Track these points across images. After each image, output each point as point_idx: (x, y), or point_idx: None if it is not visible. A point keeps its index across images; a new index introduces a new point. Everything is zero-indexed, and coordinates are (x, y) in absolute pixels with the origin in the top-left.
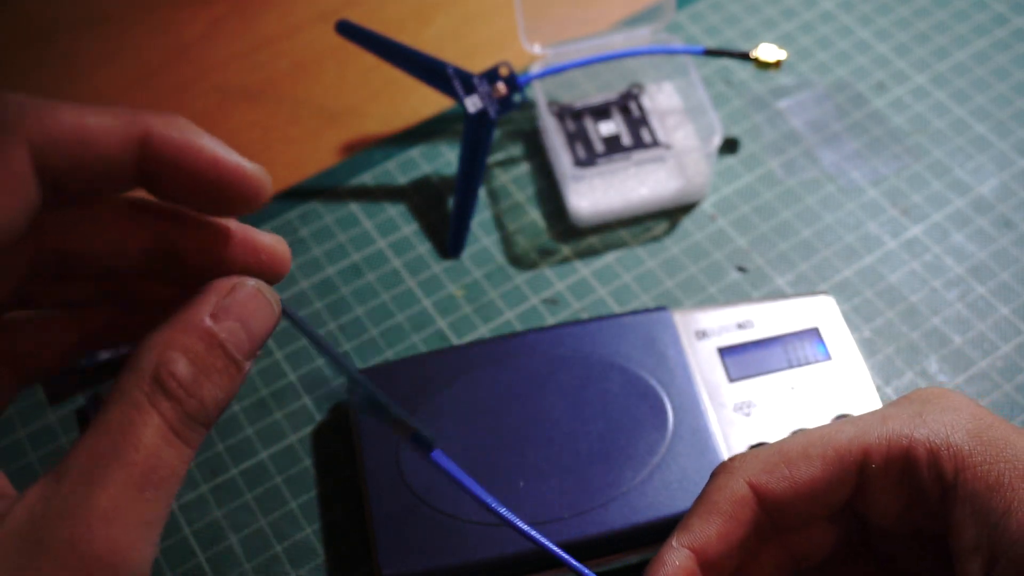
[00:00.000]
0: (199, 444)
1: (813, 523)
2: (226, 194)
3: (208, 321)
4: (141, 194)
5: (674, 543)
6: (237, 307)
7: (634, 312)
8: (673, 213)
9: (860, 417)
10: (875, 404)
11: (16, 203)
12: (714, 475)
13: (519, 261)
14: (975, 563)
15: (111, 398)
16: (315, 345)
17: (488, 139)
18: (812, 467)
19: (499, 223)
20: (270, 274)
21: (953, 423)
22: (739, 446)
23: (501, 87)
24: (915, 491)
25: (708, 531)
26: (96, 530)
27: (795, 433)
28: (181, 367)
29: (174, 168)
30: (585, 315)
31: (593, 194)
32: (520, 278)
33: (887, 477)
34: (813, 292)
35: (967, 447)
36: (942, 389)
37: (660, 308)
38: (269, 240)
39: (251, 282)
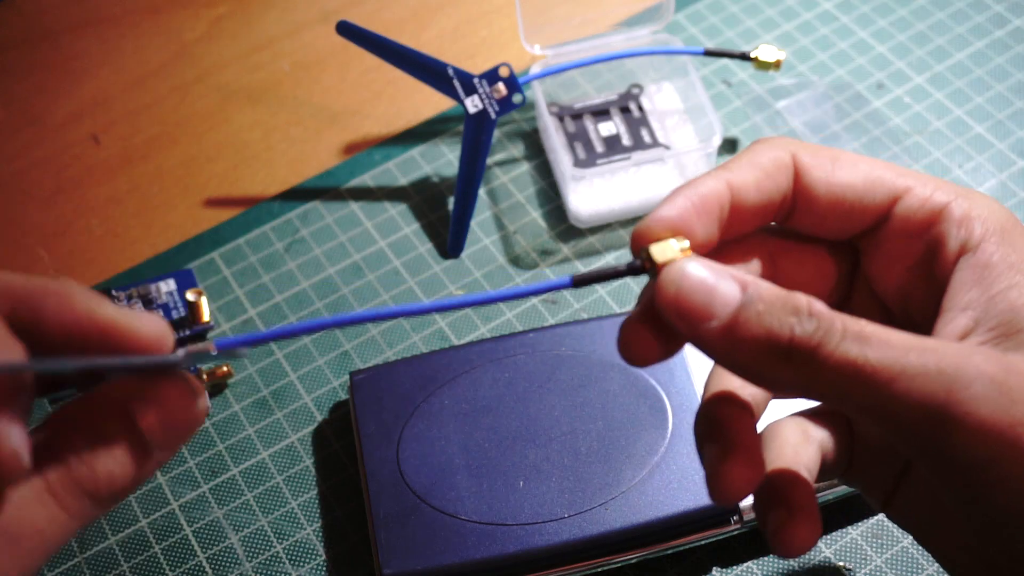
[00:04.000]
0: (83, 517)
1: (813, 252)
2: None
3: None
4: None
5: (713, 173)
6: (162, 396)
7: None
8: None
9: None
10: None
11: None
12: (755, 142)
13: (519, 261)
14: (961, 320)
15: None
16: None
17: (488, 139)
18: (855, 174)
19: (499, 223)
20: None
21: (992, 210)
22: None
23: (501, 88)
24: (931, 245)
25: (746, 175)
26: None
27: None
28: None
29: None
30: (585, 315)
31: (593, 194)
32: (520, 278)
33: (914, 222)
34: None
35: (996, 231)
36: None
37: None
38: (150, 329)
39: (183, 376)
